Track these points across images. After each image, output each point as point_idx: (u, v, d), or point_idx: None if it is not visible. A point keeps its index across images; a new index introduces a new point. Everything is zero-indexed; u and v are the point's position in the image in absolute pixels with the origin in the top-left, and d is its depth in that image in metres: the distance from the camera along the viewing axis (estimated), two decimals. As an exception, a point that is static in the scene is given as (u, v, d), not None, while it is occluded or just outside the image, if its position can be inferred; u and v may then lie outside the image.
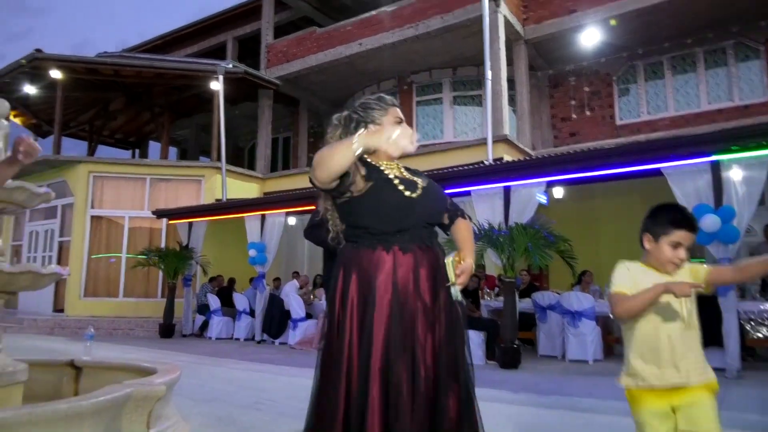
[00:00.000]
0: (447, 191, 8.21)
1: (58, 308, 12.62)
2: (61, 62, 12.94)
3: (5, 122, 3.02)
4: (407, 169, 2.11)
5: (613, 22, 11.02)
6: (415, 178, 2.03)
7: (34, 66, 12.90)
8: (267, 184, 14.36)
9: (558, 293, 7.60)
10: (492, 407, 4.37)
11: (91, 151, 17.17)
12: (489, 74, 10.27)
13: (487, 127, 10.00)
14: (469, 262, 1.92)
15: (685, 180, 6.07)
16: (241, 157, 18.83)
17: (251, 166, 16.53)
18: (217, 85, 12.99)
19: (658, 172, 6.23)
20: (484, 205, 7.33)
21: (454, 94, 13.78)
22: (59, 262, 13.06)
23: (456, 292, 1.90)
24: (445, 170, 7.89)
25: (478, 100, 13.20)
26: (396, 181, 1.97)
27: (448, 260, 1.89)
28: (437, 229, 2.10)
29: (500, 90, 11.03)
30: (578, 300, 6.94)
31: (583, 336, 6.83)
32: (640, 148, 6.68)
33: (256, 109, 15.16)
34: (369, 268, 1.88)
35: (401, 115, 2.09)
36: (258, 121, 15.05)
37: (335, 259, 2.05)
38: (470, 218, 2.32)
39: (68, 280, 12.28)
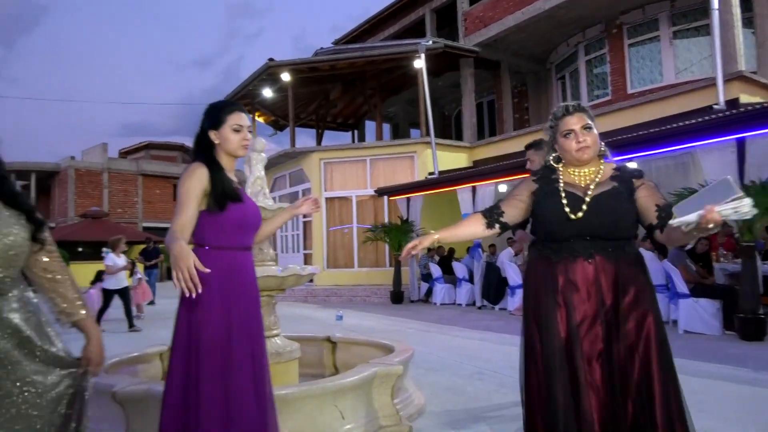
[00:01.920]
0: (667, 149, 7.51)
1: (309, 279, 14.81)
2: (289, 66, 14.83)
3: (264, 155, 3.83)
4: (615, 168, 2.08)
5: None
6: (586, 195, 1.98)
7: (269, 72, 15.02)
8: (475, 152, 14.66)
9: (817, 253, 6.57)
10: (721, 387, 4.07)
11: (319, 138, 19.46)
12: (715, 2, 8.99)
13: (716, 67, 8.79)
14: None
15: None
16: (449, 126, 19.44)
17: (458, 134, 16.98)
18: (419, 63, 13.59)
19: None
20: (711, 160, 6.61)
21: (674, 29, 12.30)
22: (305, 239, 15.26)
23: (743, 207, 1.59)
24: (663, 128, 7.24)
25: (705, 31, 11.57)
26: (562, 194, 2.00)
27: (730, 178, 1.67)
28: None
29: (731, 19, 9.58)
30: (844, 262, 5.93)
31: None
32: None
33: (458, 77, 15.49)
34: (536, 275, 2.09)
35: (571, 126, 2.02)
36: (461, 90, 15.38)
37: None
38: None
39: (314, 254, 14.34)
